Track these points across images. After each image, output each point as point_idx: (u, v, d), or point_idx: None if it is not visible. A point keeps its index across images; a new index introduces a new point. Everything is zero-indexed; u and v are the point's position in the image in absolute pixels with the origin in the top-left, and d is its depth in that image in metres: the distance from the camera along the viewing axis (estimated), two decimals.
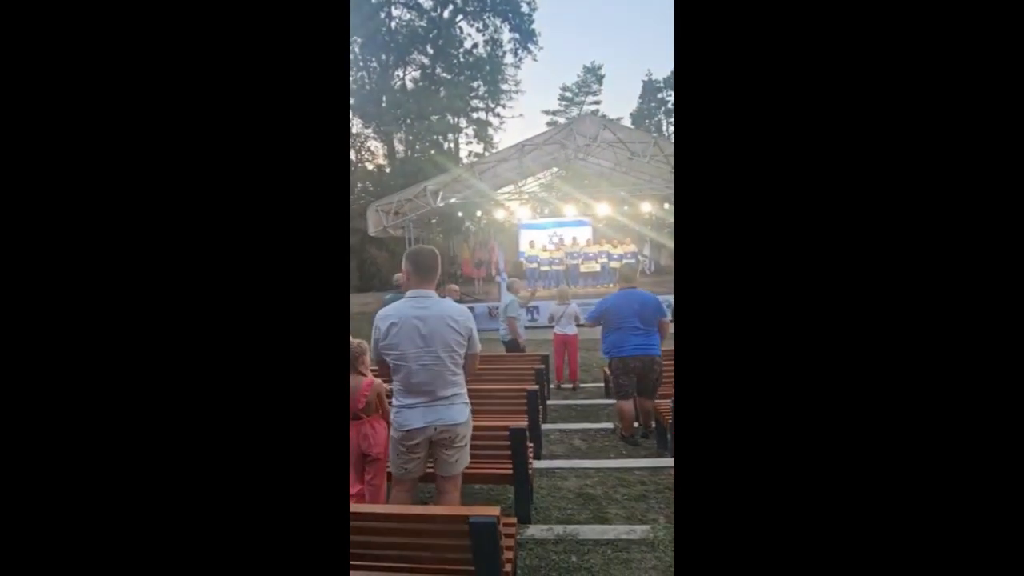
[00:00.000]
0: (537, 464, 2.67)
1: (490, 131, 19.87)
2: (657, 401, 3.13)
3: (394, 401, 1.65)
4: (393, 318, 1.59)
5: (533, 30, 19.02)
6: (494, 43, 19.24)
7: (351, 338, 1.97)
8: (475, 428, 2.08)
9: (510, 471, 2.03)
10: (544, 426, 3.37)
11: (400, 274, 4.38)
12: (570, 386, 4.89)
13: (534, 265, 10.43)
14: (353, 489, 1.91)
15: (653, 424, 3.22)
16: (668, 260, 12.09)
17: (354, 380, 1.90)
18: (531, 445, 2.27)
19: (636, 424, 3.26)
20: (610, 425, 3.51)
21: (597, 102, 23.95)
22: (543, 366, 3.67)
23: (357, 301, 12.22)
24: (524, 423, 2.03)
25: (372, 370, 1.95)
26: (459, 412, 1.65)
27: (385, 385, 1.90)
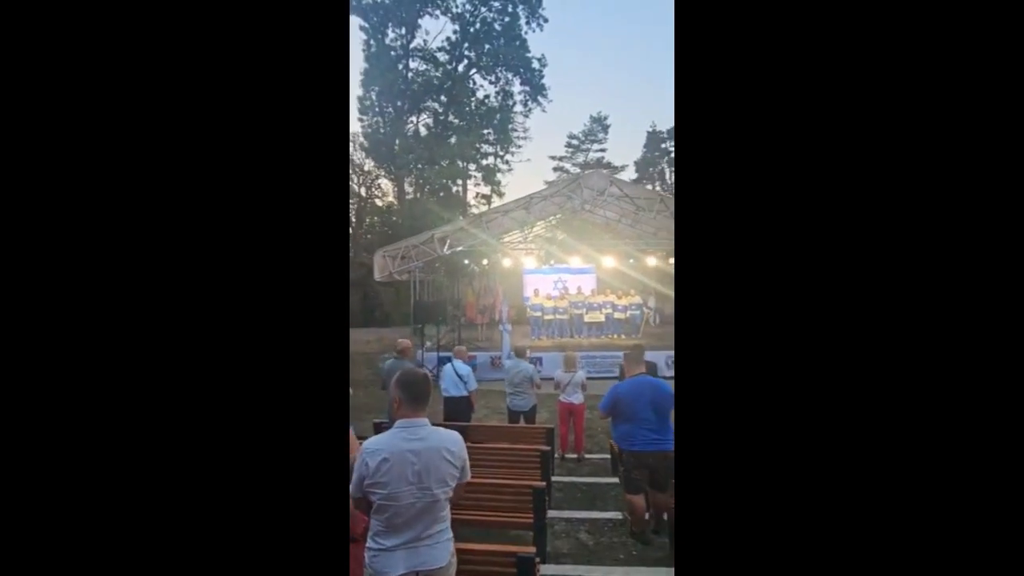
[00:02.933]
0: (543, 571, 2.47)
1: (498, 176, 20.44)
2: (672, 499, 2.94)
3: (371, 543, 1.47)
4: (385, 452, 1.46)
5: (543, 84, 19.94)
6: (505, 94, 20.12)
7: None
8: (476, 552, 1.92)
9: None
10: (549, 513, 3.17)
11: (403, 340, 4.30)
12: (575, 456, 4.68)
13: (538, 314, 10.36)
14: None
15: (665, 517, 3.02)
16: (672, 312, 12.02)
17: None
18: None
19: (647, 516, 3.06)
20: (618, 515, 3.30)
21: (603, 150, 24.72)
22: (548, 447, 3.49)
23: (358, 337, 12.05)
24: (532, 549, 1.87)
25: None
26: (443, 552, 1.49)
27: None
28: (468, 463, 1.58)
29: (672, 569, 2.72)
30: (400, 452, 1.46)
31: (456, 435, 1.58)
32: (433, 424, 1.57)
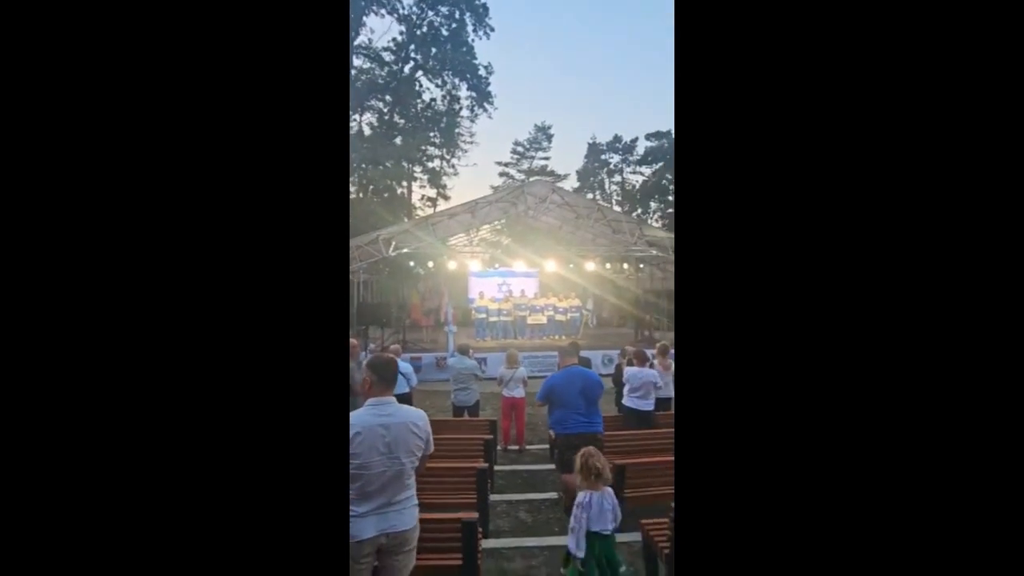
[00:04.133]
0: (484, 544, 2.72)
1: (444, 179, 20.50)
2: None
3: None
4: (357, 427, 1.64)
5: (489, 92, 20.28)
6: (452, 99, 20.22)
7: None
8: (425, 521, 2.13)
9: (460, 562, 2.09)
10: (492, 497, 3.43)
11: (351, 339, 4.35)
12: (517, 448, 4.97)
13: (483, 316, 10.61)
14: None
15: None
16: (608, 315, 12.83)
17: None
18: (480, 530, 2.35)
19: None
20: (555, 495, 3.63)
21: (546, 158, 25.50)
22: (491, 436, 3.75)
23: None
24: (475, 515, 2.11)
25: None
26: (410, 517, 1.69)
27: None
28: (432, 437, 1.79)
29: None
30: (371, 427, 1.64)
31: (421, 412, 1.79)
32: None
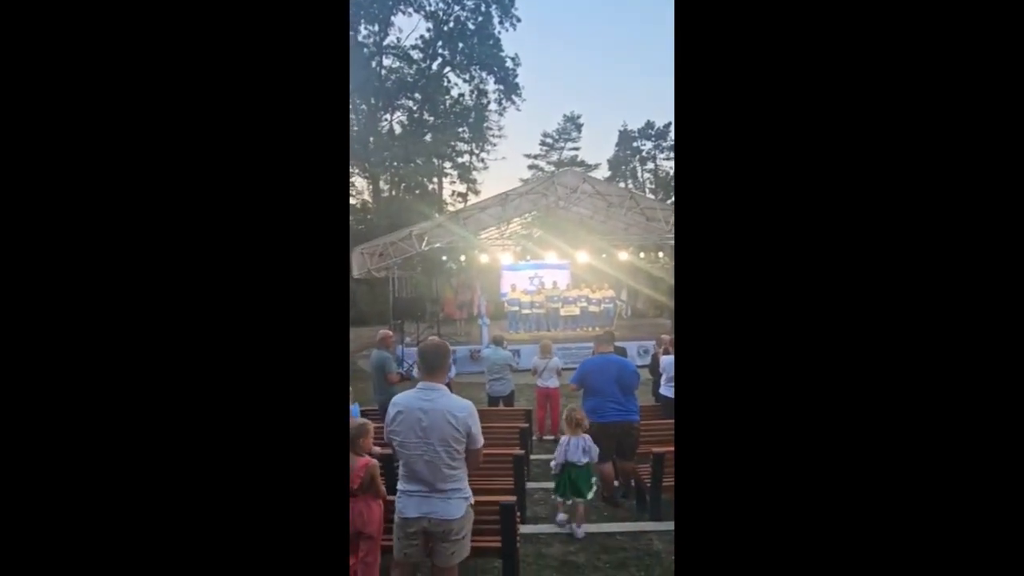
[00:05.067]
0: (522, 530, 2.74)
1: (473, 174, 20.64)
2: (637, 466, 3.28)
3: (398, 486, 1.73)
4: (400, 406, 1.70)
5: (517, 83, 20.16)
6: (480, 93, 20.26)
7: (354, 418, 2.07)
8: None
9: (498, 545, 2.12)
10: (528, 485, 3.45)
11: (384, 331, 4.49)
12: (552, 438, 4.97)
13: (515, 308, 10.64)
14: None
15: (632, 483, 3.35)
16: (643, 305, 12.55)
17: (351, 460, 1.98)
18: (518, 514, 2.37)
19: (616, 483, 3.38)
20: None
21: (576, 148, 25.13)
22: (527, 425, 3.77)
23: None
24: (513, 499, 2.13)
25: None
26: (455, 507, 1.69)
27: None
28: (477, 432, 1.73)
29: (636, 523, 3.05)
30: (412, 409, 1.69)
31: (465, 403, 1.75)
32: None
